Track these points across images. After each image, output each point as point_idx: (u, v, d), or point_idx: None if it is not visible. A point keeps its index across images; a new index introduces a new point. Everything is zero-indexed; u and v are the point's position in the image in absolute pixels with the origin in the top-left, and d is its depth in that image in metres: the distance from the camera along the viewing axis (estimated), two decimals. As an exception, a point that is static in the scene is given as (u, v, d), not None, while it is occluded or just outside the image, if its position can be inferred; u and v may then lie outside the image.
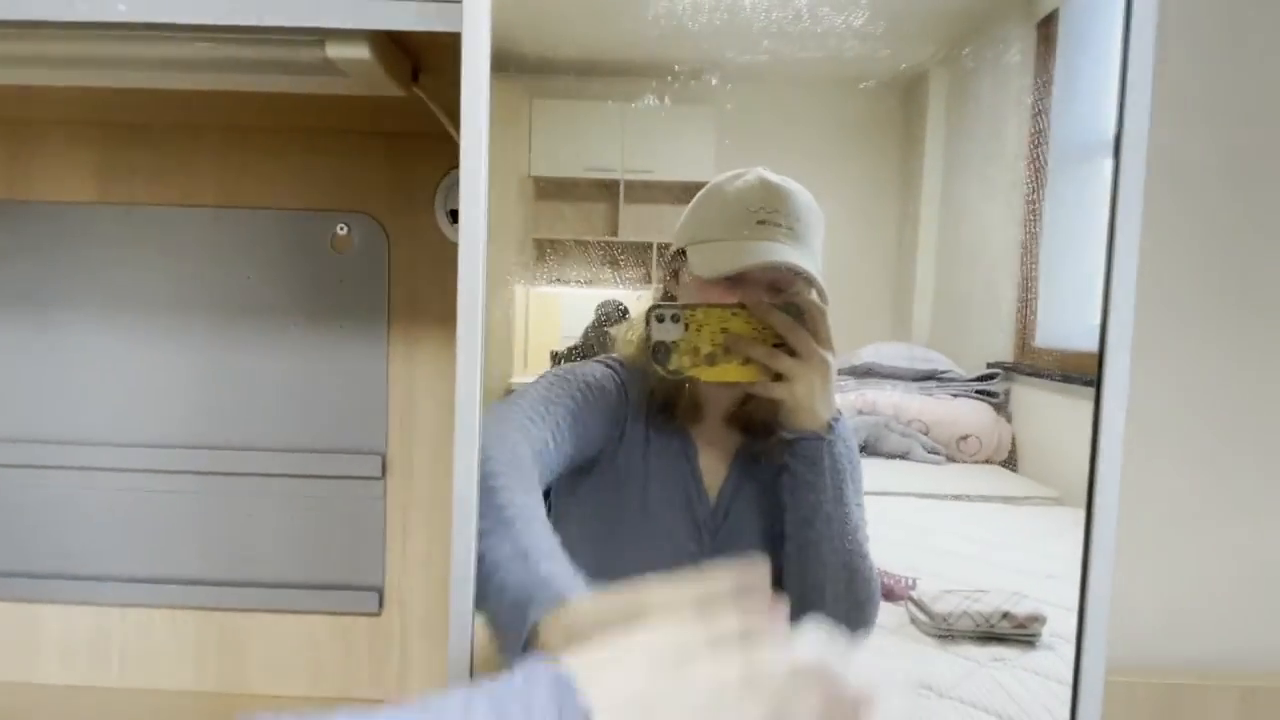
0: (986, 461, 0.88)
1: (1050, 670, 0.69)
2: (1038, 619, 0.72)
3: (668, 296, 0.78)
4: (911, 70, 0.72)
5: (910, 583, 0.76)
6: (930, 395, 0.87)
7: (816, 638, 0.45)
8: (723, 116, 0.75)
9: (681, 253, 0.75)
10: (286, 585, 0.99)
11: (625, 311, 0.90)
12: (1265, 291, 0.83)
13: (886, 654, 0.44)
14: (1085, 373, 0.62)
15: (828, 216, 0.73)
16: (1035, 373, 0.80)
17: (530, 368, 0.95)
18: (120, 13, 0.59)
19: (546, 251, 0.88)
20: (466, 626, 0.60)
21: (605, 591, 0.50)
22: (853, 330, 0.80)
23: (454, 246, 0.58)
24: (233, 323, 0.98)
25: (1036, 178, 0.71)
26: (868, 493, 0.74)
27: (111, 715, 0.98)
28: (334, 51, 0.61)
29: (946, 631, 0.73)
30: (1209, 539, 0.85)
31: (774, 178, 0.73)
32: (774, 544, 0.75)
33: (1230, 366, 0.84)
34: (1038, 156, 0.71)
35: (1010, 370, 0.83)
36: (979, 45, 0.71)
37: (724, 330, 0.69)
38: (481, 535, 0.56)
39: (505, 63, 0.60)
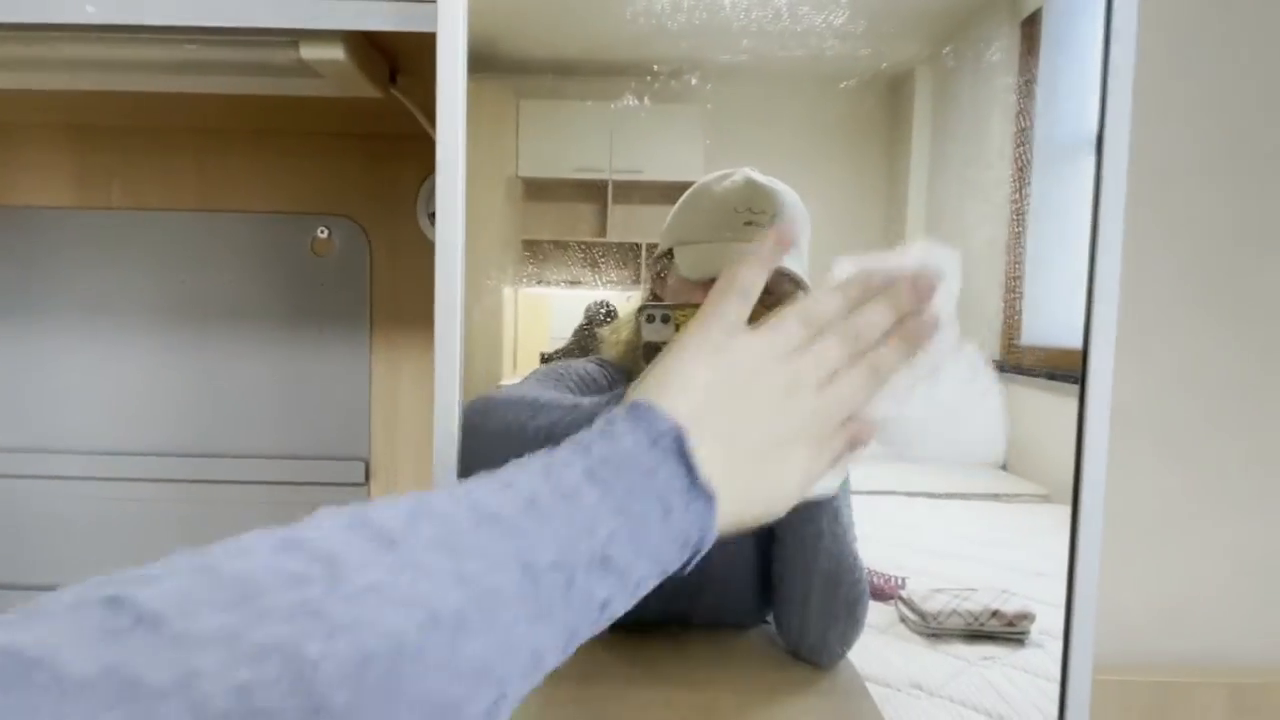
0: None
1: (1039, 668, 0.69)
2: (1026, 617, 0.72)
3: (655, 297, 0.78)
4: (895, 69, 0.72)
5: (900, 582, 0.76)
6: (918, 394, 0.87)
7: (855, 261, 0.44)
8: (710, 116, 0.75)
9: (668, 254, 0.75)
10: (271, 593, 0.98)
11: (613, 312, 0.90)
12: (1249, 289, 0.83)
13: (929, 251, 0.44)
14: (1071, 370, 0.62)
15: (813, 216, 0.73)
16: (1022, 370, 0.80)
17: (520, 369, 0.94)
18: (88, 14, 0.58)
19: (535, 252, 0.88)
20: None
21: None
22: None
23: (435, 248, 0.57)
24: (212, 327, 0.97)
25: (1020, 176, 0.71)
26: (856, 491, 0.73)
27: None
28: (308, 53, 0.61)
29: (936, 630, 0.73)
30: (1198, 537, 0.85)
31: (760, 178, 0.73)
32: (762, 545, 0.74)
33: (1218, 363, 0.84)
34: (1021, 155, 0.71)
35: (997, 368, 0.83)
36: (962, 44, 0.71)
37: None
38: (514, 421, 0.58)
39: (487, 63, 0.59)
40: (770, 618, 0.75)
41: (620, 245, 0.86)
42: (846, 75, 0.71)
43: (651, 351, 0.69)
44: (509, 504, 0.32)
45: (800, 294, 0.70)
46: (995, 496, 0.88)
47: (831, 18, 0.65)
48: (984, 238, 0.75)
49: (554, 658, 0.33)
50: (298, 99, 0.76)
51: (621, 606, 0.35)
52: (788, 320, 0.40)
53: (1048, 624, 0.68)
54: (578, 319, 0.93)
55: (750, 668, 0.65)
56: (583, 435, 0.37)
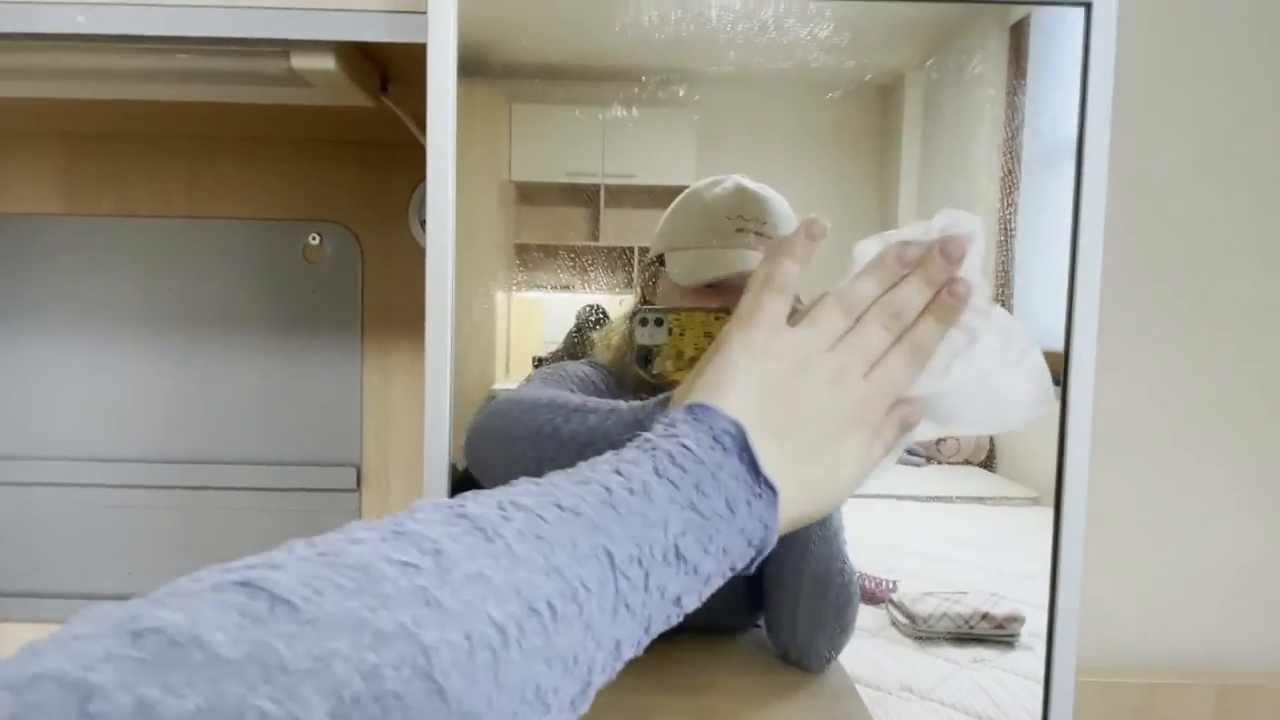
0: (965, 463, 0.88)
1: (1029, 670, 0.70)
2: (1016, 619, 0.72)
3: (646, 302, 0.78)
4: (882, 79, 0.72)
5: (891, 585, 0.76)
6: (907, 399, 0.87)
7: (880, 238, 0.44)
8: (702, 121, 0.75)
9: (659, 259, 0.75)
10: (263, 600, 0.98)
11: (605, 316, 0.90)
12: (1230, 296, 0.84)
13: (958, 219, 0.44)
14: (1056, 374, 0.62)
15: (803, 222, 0.73)
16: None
17: (512, 373, 0.94)
18: (79, 24, 0.58)
19: (527, 257, 0.88)
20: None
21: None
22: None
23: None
24: (204, 335, 0.97)
25: (1007, 184, 0.72)
26: (847, 496, 0.74)
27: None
28: (299, 63, 0.61)
29: (927, 633, 0.74)
30: (1183, 540, 0.86)
31: (752, 185, 0.73)
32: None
33: (1201, 367, 0.85)
34: (1008, 163, 0.71)
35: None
36: (949, 54, 0.71)
37: (708, 335, 0.69)
38: (541, 426, 0.56)
39: (477, 68, 0.59)
40: (761, 622, 0.75)
41: (612, 250, 0.86)
42: (833, 86, 0.71)
43: (644, 355, 0.70)
44: (588, 499, 0.33)
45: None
46: (984, 499, 0.88)
47: (817, 30, 0.65)
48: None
49: (630, 650, 0.34)
50: (289, 107, 0.76)
51: (692, 603, 0.36)
52: (827, 309, 0.41)
53: (1037, 626, 0.69)
54: (570, 323, 0.93)
55: (741, 672, 0.66)
56: (646, 435, 0.37)
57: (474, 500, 0.32)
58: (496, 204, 0.85)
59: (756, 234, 0.71)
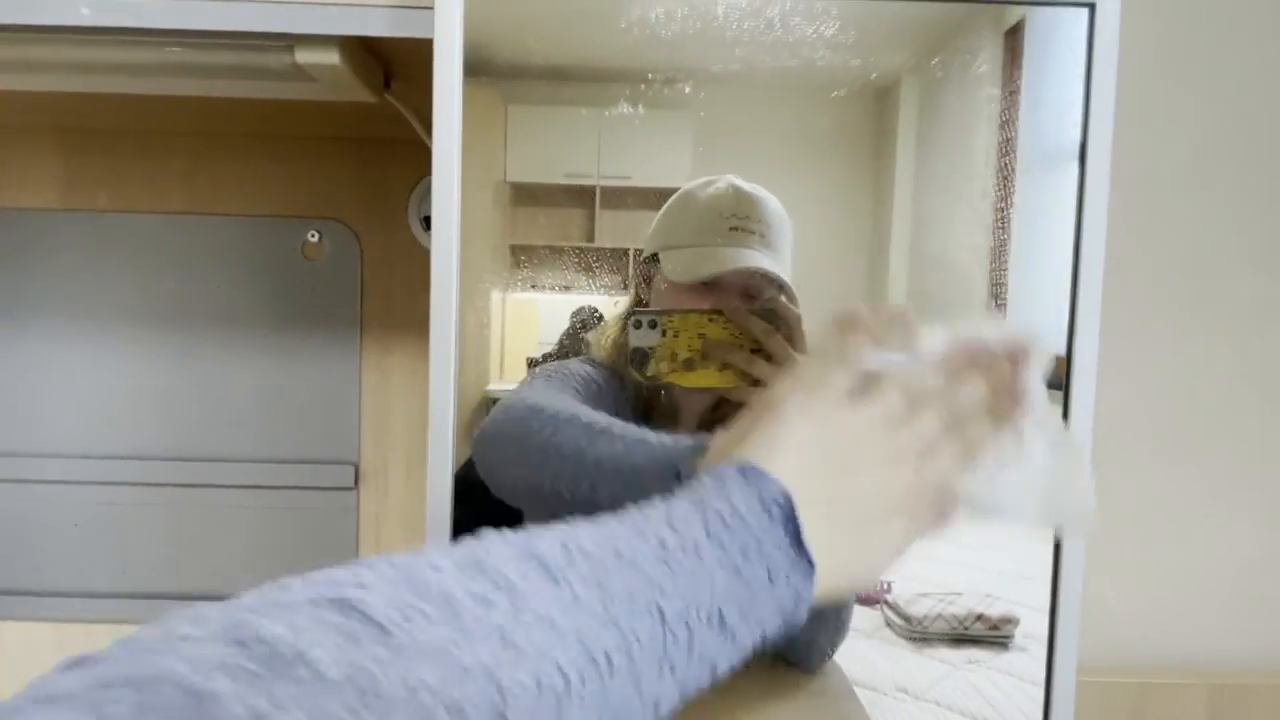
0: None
1: (1023, 671, 0.70)
2: (1010, 620, 0.72)
3: (640, 302, 0.78)
4: (882, 79, 0.73)
5: (885, 586, 0.76)
6: (904, 400, 0.88)
7: (946, 328, 0.44)
8: (699, 122, 0.76)
9: (654, 258, 0.75)
10: (257, 598, 0.97)
11: (601, 317, 0.90)
12: (1231, 297, 0.85)
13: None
14: (1056, 376, 0.63)
15: (801, 223, 0.74)
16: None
17: (506, 375, 0.94)
18: (83, 16, 0.58)
19: (523, 257, 0.88)
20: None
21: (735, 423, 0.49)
22: (826, 336, 0.81)
23: (427, 253, 0.58)
24: (202, 331, 0.97)
25: (1005, 184, 0.72)
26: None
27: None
28: (303, 57, 0.61)
29: (921, 634, 0.74)
30: (1180, 540, 0.86)
31: (745, 185, 0.74)
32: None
33: (1201, 369, 0.85)
34: (1005, 164, 0.72)
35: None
36: (948, 55, 0.72)
37: (701, 336, 0.69)
38: (563, 444, 0.55)
39: (479, 68, 0.59)
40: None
41: (608, 250, 0.87)
42: (836, 85, 0.72)
43: (638, 356, 0.70)
44: (644, 552, 0.33)
45: (782, 297, 0.71)
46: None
47: (823, 28, 0.66)
48: (969, 245, 0.77)
49: (667, 710, 0.34)
50: (290, 103, 0.76)
51: (726, 668, 0.36)
52: (890, 391, 0.41)
53: (1031, 628, 0.69)
54: (565, 324, 0.93)
55: (738, 672, 0.65)
56: (695, 488, 0.37)
57: (540, 538, 0.32)
58: (492, 205, 0.85)
59: (750, 232, 0.71)
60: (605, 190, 0.83)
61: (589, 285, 0.89)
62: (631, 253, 0.83)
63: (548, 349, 0.94)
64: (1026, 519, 0.43)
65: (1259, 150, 0.84)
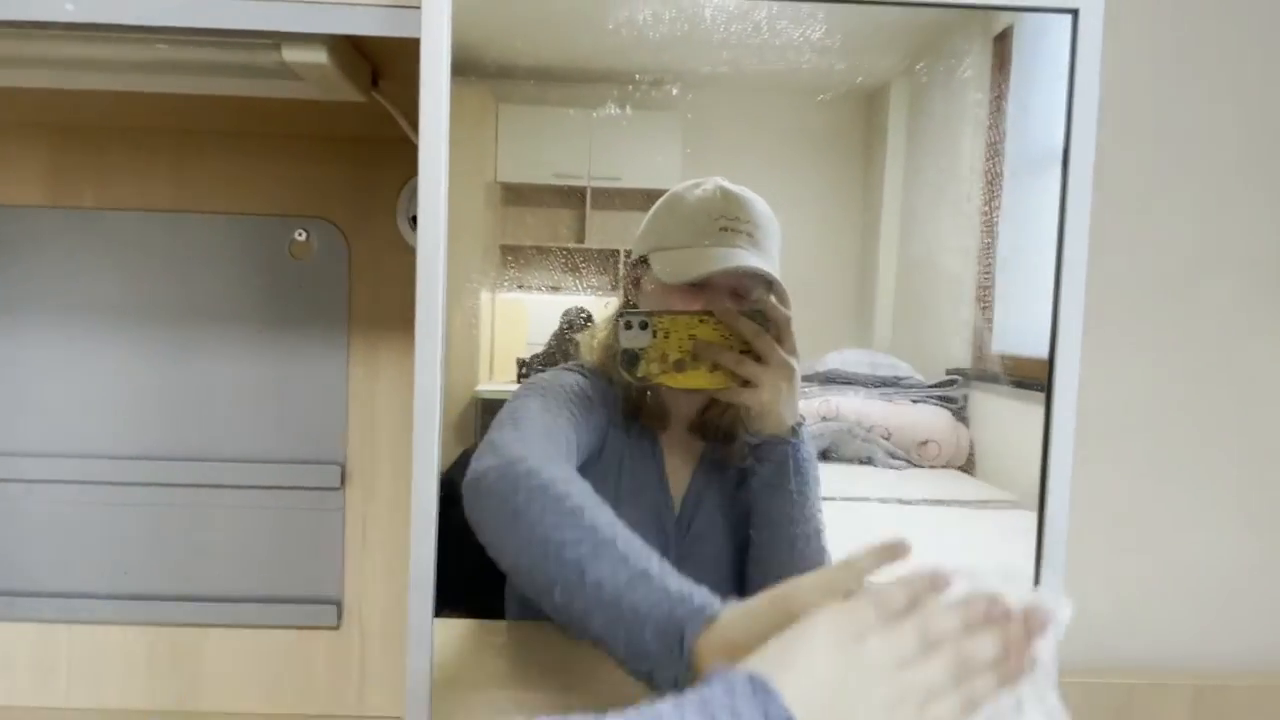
0: (946, 466, 0.89)
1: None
2: (995, 621, 0.73)
3: (629, 303, 0.78)
4: (871, 83, 0.73)
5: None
6: (891, 401, 0.88)
7: (971, 578, 0.45)
8: (687, 124, 0.76)
9: (643, 260, 0.76)
10: (242, 599, 0.97)
11: (590, 318, 0.90)
12: (1211, 302, 0.86)
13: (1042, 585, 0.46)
14: (1038, 379, 0.63)
15: (791, 225, 0.74)
16: (992, 379, 0.82)
17: (495, 375, 0.94)
18: (68, 13, 0.57)
19: (512, 258, 0.88)
20: (426, 640, 0.59)
21: (749, 600, 0.51)
22: (816, 337, 0.81)
23: (415, 253, 0.57)
24: (188, 330, 0.96)
25: (991, 188, 0.73)
26: (832, 498, 0.74)
27: (58, 736, 0.94)
28: (291, 56, 0.61)
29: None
30: (1161, 542, 0.87)
31: (733, 187, 0.74)
32: (737, 550, 0.75)
33: (1181, 374, 0.86)
34: (992, 167, 0.73)
35: (968, 376, 0.85)
36: (936, 60, 0.73)
37: (692, 337, 0.69)
38: (564, 546, 0.53)
39: (467, 67, 0.59)
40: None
41: (599, 251, 0.87)
42: (823, 88, 0.72)
43: (629, 357, 0.70)
44: None
45: (771, 296, 0.71)
46: (965, 502, 0.89)
47: (809, 32, 0.66)
48: (955, 247, 0.77)
49: None
50: (277, 101, 0.75)
51: None
52: (906, 632, 0.42)
53: (1015, 628, 0.69)
54: (554, 325, 0.93)
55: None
56: (705, 698, 0.39)
57: None
58: (482, 204, 0.85)
59: (739, 232, 0.72)
60: (596, 191, 0.83)
61: (578, 286, 0.89)
62: (621, 254, 0.83)
63: (537, 349, 0.94)
64: None
65: (1242, 156, 0.85)
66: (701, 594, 0.52)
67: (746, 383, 0.69)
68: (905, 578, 0.45)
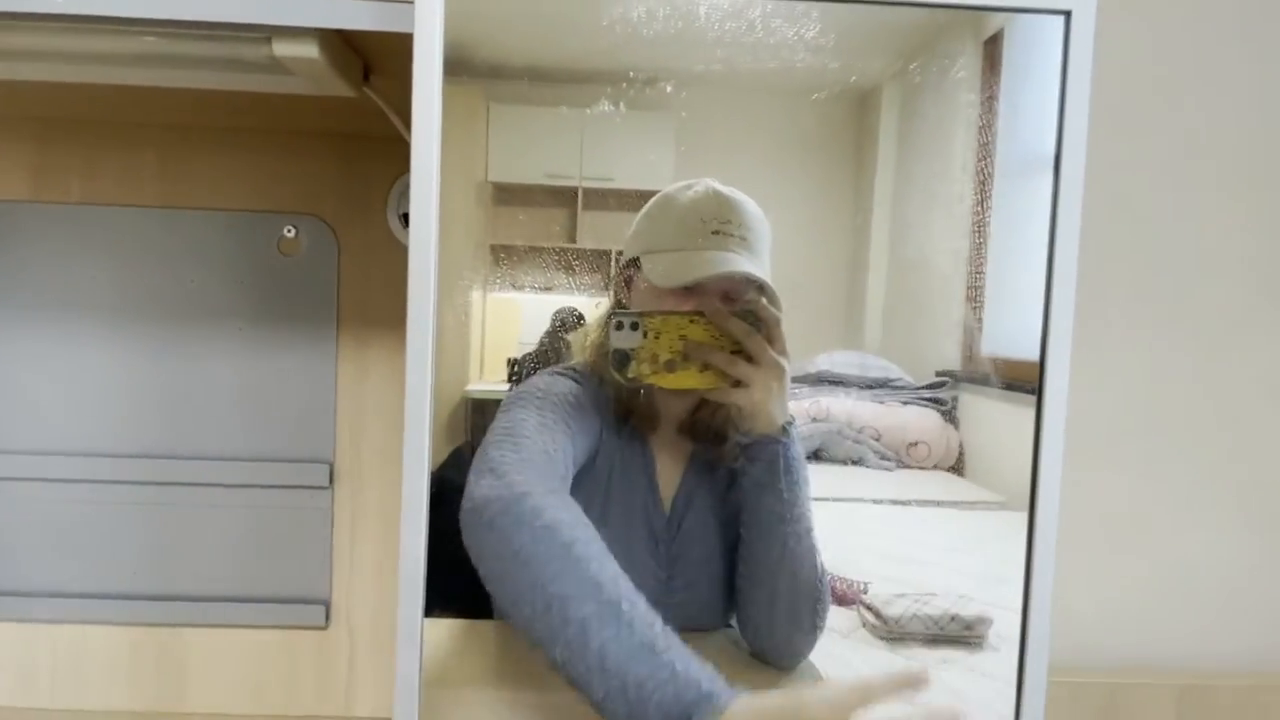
0: (935, 467, 0.90)
1: (995, 671, 0.71)
2: (984, 621, 0.73)
3: (620, 305, 0.78)
4: (863, 83, 0.73)
5: (862, 587, 0.77)
6: (881, 403, 0.89)
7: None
8: (680, 123, 0.76)
9: (634, 262, 0.75)
10: (228, 599, 0.96)
11: (582, 319, 0.90)
12: (1202, 303, 0.87)
13: None
14: (1028, 381, 0.63)
15: (782, 226, 0.74)
16: (982, 381, 0.82)
17: (486, 375, 0.94)
18: (56, 4, 0.57)
19: (503, 257, 0.88)
20: (415, 641, 0.58)
21: (759, 697, 0.51)
22: (806, 338, 0.81)
23: (406, 251, 0.57)
24: (174, 327, 0.95)
25: (982, 190, 0.73)
26: (821, 499, 0.74)
27: (40, 737, 0.93)
28: (281, 49, 0.60)
29: (897, 634, 0.74)
30: (1148, 543, 0.88)
31: (724, 189, 0.74)
32: (728, 550, 0.75)
33: (1170, 376, 0.87)
34: (983, 169, 0.73)
35: (958, 378, 0.85)
36: (928, 61, 0.73)
37: (683, 337, 0.69)
38: (568, 602, 0.53)
39: (460, 66, 0.59)
40: (733, 621, 0.75)
41: (590, 252, 0.86)
42: (817, 88, 0.72)
43: (620, 358, 0.70)
44: None
45: (763, 299, 0.71)
46: (954, 503, 0.89)
47: (803, 31, 0.66)
48: (946, 249, 0.77)
49: None
50: (267, 95, 0.75)
51: None
52: None
53: (1004, 628, 0.70)
54: (546, 325, 0.93)
55: (715, 670, 0.65)
56: None
57: None
58: (473, 204, 0.85)
59: (731, 235, 0.72)
60: (588, 191, 0.83)
61: (570, 285, 0.89)
62: (613, 254, 0.83)
63: (528, 349, 0.93)
64: None
65: (1234, 158, 0.86)
66: (708, 678, 0.52)
67: (738, 383, 0.69)
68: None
